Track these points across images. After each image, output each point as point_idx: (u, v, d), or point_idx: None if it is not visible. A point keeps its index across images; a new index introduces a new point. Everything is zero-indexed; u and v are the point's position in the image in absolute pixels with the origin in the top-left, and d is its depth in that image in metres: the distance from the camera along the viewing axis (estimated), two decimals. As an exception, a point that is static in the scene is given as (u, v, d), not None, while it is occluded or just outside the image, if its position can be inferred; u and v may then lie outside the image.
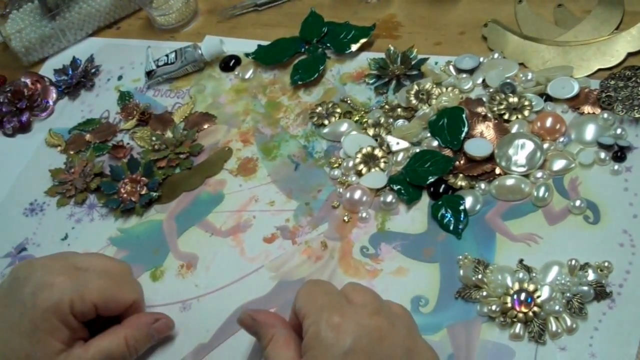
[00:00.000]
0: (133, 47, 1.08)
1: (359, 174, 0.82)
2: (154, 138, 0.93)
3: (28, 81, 1.07)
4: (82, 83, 1.05)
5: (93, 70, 1.06)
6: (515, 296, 0.68)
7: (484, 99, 0.83)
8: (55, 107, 1.05)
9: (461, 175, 0.78)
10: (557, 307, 0.66)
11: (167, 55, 1.00)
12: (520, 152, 0.77)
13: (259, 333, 0.66)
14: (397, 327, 0.59)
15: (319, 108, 0.89)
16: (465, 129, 0.80)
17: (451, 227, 0.75)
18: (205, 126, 0.94)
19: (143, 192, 0.88)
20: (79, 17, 1.09)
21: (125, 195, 0.88)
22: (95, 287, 0.69)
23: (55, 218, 0.91)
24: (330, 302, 0.61)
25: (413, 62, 0.89)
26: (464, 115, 0.81)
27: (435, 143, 0.81)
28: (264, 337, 0.65)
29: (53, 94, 1.06)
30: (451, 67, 0.88)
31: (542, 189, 0.74)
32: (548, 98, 0.81)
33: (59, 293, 0.67)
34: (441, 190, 0.78)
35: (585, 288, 0.67)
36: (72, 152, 0.97)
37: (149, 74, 1.00)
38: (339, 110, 0.88)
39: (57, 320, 0.67)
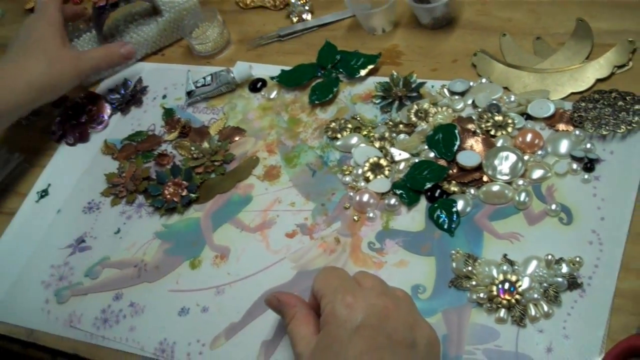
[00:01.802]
0: (175, 70, 1.08)
1: (367, 180, 0.82)
2: (193, 148, 0.93)
3: (87, 99, 1.07)
4: (132, 101, 1.05)
5: (142, 90, 1.06)
6: (500, 285, 0.67)
7: (474, 117, 0.83)
8: (110, 121, 1.05)
9: (454, 182, 0.78)
10: (535, 295, 0.66)
11: (204, 78, 1.00)
12: (505, 162, 0.77)
13: (282, 312, 0.66)
14: (401, 307, 0.59)
15: (333, 124, 0.89)
16: (458, 143, 0.80)
17: (445, 226, 0.75)
18: (237, 138, 0.94)
19: (184, 193, 0.88)
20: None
21: (168, 196, 0.88)
22: None
23: (109, 215, 0.91)
24: (343, 285, 0.61)
25: (413, 86, 0.89)
26: (456, 131, 0.81)
27: (432, 154, 0.81)
28: (286, 315, 0.65)
29: (108, 110, 1.06)
30: (445, 90, 0.87)
31: (523, 195, 0.74)
32: (528, 117, 0.81)
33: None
34: (437, 194, 0.77)
35: (560, 279, 0.66)
36: (123, 159, 0.97)
37: (189, 93, 1.00)
38: (350, 125, 0.88)
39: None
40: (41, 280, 0.87)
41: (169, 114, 1.01)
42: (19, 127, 1.10)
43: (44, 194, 0.98)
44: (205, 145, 0.94)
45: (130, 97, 1.06)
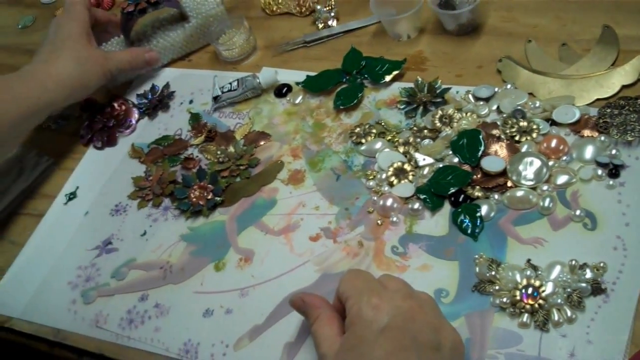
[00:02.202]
0: (202, 76, 1.09)
1: (391, 184, 0.82)
2: (218, 152, 0.95)
3: (115, 104, 1.09)
4: (160, 106, 1.07)
5: (169, 95, 1.08)
6: (523, 290, 0.67)
7: (498, 123, 0.83)
8: (137, 126, 1.06)
9: (478, 187, 0.78)
10: (559, 301, 0.66)
11: (230, 83, 1.01)
12: (529, 168, 0.77)
13: (307, 313, 0.67)
14: (425, 309, 0.60)
15: (358, 129, 0.90)
16: (482, 148, 0.80)
17: (469, 231, 0.75)
18: (262, 143, 0.95)
19: (209, 197, 0.89)
20: (156, 50, 1.11)
21: (194, 199, 0.89)
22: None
23: (136, 218, 0.92)
24: (369, 287, 0.61)
25: (438, 91, 0.89)
26: (481, 137, 0.81)
27: (456, 159, 0.81)
28: (311, 316, 0.66)
29: (135, 115, 1.07)
30: (470, 96, 0.88)
31: (547, 200, 0.74)
32: (553, 123, 0.81)
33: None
34: (460, 199, 0.78)
35: (584, 285, 0.66)
36: (150, 163, 0.99)
37: (215, 98, 1.02)
38: (374, 130, 0.89)
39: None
40: (68, 281, 0.88)
41: (195, 118, 1.02)
42: (48, 131, 1.12)
43: (72, 196, 0.99)
44: (231, 149, 0.95)
45: (158, 102, 1.07)
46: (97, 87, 1.03)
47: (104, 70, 1.02)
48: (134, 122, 1.07)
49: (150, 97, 1.08)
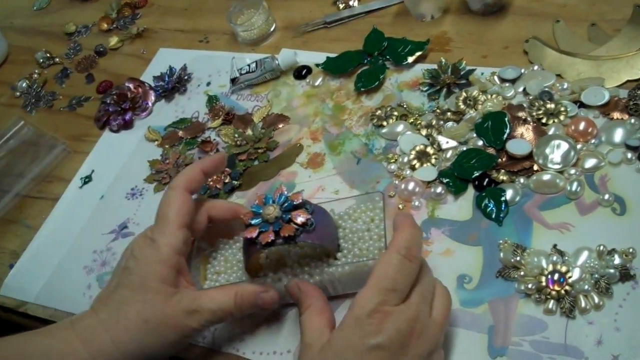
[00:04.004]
0: (220, 57, 1.09)
1: (413, 168, 0.82)
2: (236, 135, 0.95)
3: (131, 86, 1.09)
4: (177, 88, 1.07)
5: (186, 77, 1.08)
6: (549, 276, 0.67)
7: (525, 105, 0.82)
8: (154, 108, 1.07)
9: (503, 170, 0.77)
10: (586, 287, 0.66)
11: (248, 65, 1.01)
12: (556, 151, 0.76)
13: (300, 299, 0.66)
14: (426, 336, 0.60)
15: (379, 111, 0.90)
16: (507, 131, 0.80)
17: (493, 216, 0.75)
18: (280, 125, 0.95)
19: (227, 180, 0.90)
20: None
21: (211, 183, 0.90)
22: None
23: (152, 201, 0.93)
24: (393, 288, 0.60)
25: (462, 73, 0.89)
26: (506, 119, 0.81)
27: (480, 142, 0.81)
28: (303, 304, 0.66)
29: (152, 97, 1.08)
30: (495, 77, 0.87)
31: (575, 184, 0.73)
32: (581, 105, 0.80)
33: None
34: (485, 183, 0.77)
35: (612, 271, 0.66)
36: (167, 146, 0.99)
37: (233, 80, 1.02)
38: (396, 113, 0.88)
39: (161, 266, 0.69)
40: (83, 266, 0.89)
41: (212, 101, 1.02)
42: (64, 114, 1.13)
43: (87, 180, 1.00)
44: (249, 132, 0.95)
45: (175, 84, 1.07)
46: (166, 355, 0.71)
47: (182, 333, 0.68)
48: (150, 104, 1.07)
49: (167, 79, 1.09)
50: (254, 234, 0.66)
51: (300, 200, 0.68)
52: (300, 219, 0.66)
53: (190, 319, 0.67)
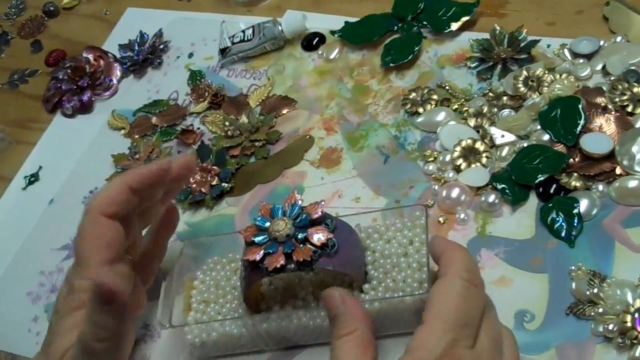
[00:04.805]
0: (206, 21, 1.09)
1: (457, 169, 0.81)
2: (227, 123, 0.95)
3: (90, 57, 1.09)
4: (149, 60, 1.07)
5: (161, 47, 1.08)
6: (636, 315, 0.66)
7: (604, 88, 0.82)
8: (120, 86, 1.07)
9: (575, 174, 0.77)
10: (685, 329, 0.65)
11: (243, 32, 1.01)
12: (646, 150, 0.76)
13: (340, 318, 0.64)
14: None
15: (413, 94, 0.89)
16: (582, 122, 0.79)
17: (563, 234, 0.74)
18: (284, 111, 0.95)
19: (214, 182, 0.89)
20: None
21: (194, 185, 0.90)
22: None
23: (117, 208, 0.92)
24: (464, 328, 0.59)
25: (522, 45, 0.88)
26: (580, 106, 0.80)
27: (546, 137, 0.80)
28: (343, 325, 0.63)
29: (117, 72, 1.08)
30: (566, 51, 0.87)
31: (671, 193, 0.73)
32: (680, 89, 0.80)
33: None
34: (552, 190, 0.77)
35: None
36: (136, 136, 0.99)
37: (223, 51, 1.02)
38: (435, 97, 0.88)
39: None
40: (27, 292, 0.89)
41: (196, 77, 1.02)
42: (2, 93, 1.12)
43: (33, 179, 1.00)
44: (244, 119, 0.95)
45: (147, 55, 1.07)
46: None
47: None
48: (115, 81, 1.07)
49: (137, 48, 1.09)
50: (258, 256, 0.65)
51: (320, 214, 0.66)
52: (318, 238, 0.65)
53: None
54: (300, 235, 0.65)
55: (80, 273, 0.69)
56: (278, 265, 0.64)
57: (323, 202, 0.68)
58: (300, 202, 0.67)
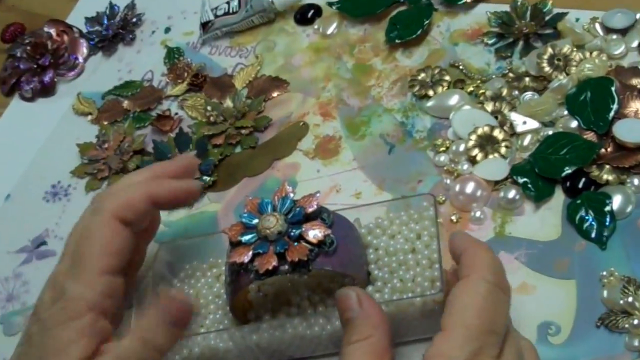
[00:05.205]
0: (185, -9, 1.09)
1: (473, 161, 0.81)
2: (209, 108, 0.95)
3: (52, 31, 1.09)
4: (120, 36, 1.07)
5: (134, 20, 1.08)
6: (677, 327, 0.66)
7: (641, 68, 0.82)
8: (86, 65, 1.07)
9: (608, 166, 0.77)
10: None
11: (228, 3, 1.01)
12: (689, 139, 0.76)
13: (354, 322, 0.64)
14: None
15: (422, 74, 0.89)
16: (615, 107, 0.79)
17: (593, 234, 0.74)
18: (275, 94, 0.95)
19: (195, 176, 0.89)
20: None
21: (171, 178, 0.89)
22: None
23: (82, 205, 0.89)
24: (485, 342, 0.60)
25: (547, 18, 0.89)
26: (613, 89, 0.80)
27: (574, 124, 0.80)
28: (356, 331, 0.63)
29: (83, 49, 1.08)
30: (597, 26, 0.87)
31: None
32: None
33: None
34: (581, 185, 0.77)
35: None
36: (105, 123, 0.99)
37: (205, 25, 1.02)
38: (447, 77, 0.88)
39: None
40: (-20, 301, 0.89)
41: (174, 56, 1.03)
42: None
43: (-14, 172, 1.00)
44: (228, 103, 0.95)
45: (118, 30, 1.07)
46: None
47: None
48: (81, 60, 1.07)
49: (106, 22, 1.08)
50: (246, 258, 0.65)
51: (315, 207, 0.66)
52: (315, 235, 0.64)
53: None
54: (294, 233, 0.64)
55: (78, 277, 0.68)
56: (270, 267, 0.63)
57: (318, 194, 0.67)
58: (292, 194, 0.67)
